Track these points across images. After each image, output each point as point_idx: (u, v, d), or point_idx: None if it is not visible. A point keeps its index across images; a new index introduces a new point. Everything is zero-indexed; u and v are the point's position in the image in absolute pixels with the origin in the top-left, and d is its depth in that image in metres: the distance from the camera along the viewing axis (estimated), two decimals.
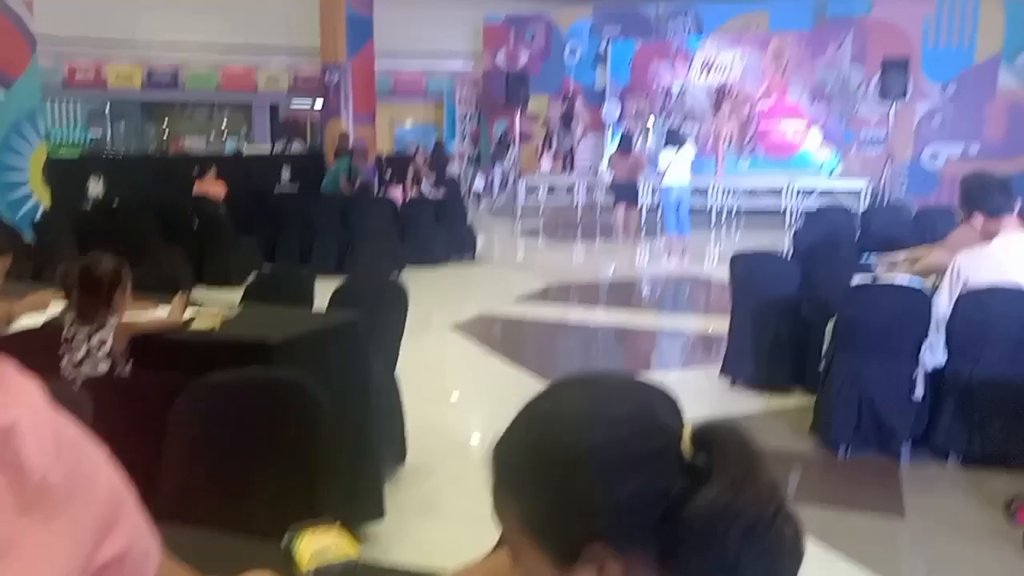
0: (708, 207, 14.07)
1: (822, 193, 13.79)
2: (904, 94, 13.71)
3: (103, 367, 2.89)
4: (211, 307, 3.46)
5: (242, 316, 3.37)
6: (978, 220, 3.80)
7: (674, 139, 10.51)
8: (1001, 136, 14.65)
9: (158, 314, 3.21)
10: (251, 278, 4.55)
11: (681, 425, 0.80)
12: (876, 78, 14.39)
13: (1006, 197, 3.75)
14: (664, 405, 0.82)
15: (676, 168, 10.18)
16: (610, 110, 16.62)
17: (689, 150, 10.52)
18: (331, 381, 2.96)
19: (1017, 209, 3.81)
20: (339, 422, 2.81)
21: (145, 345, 3.00)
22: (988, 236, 3.78)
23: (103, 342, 2.89)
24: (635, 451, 0.76)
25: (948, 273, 3.85)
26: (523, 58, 17.80)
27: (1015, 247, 3.73)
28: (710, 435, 0.79)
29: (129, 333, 2.97)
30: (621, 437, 0.76)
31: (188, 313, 3.25)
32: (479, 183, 17.32)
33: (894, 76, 13.53)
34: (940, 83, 14.97)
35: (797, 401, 4.79)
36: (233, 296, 4.24)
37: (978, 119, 14.80)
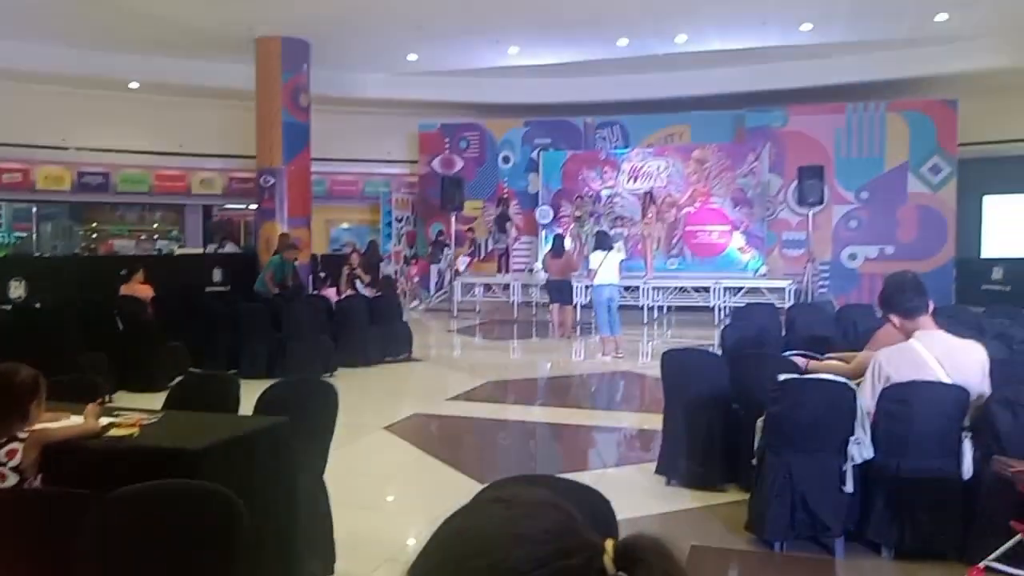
0: (640, 305, 14.34)
1: (748, 291, 14.20)
2: (821, 200, 14.45)
3: (11, 480, 2.72)
4: (130, 414, 3.32)
5: (162, 422, 3.24)
6: (896, 320, 3.94)
7: (603, 242, 10.76)
8: (913, 237, 15.45)
9: (73, 422, 3.06)
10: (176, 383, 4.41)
11: (606, 538, 0.77)
12: (794, 185, 15.15)
13: (921, 297, 3.90)
14: (596, 510, 0.80)
15: (606, 269, 10.39)
16: (543, 214, 17.03)
17: (617, 253, 10.76)
18: (254, 489, 2.84)
19: (931, 308, 3.96)
20: (262, 533, 2.68)
21: (57, 456, 2.85)
22: (907, 334, 3.91)
23: (12, 453, 2.74)
24: (555, 570, 0.73)
25: (870, 370, 3.96)
26: (458, 163, 18.21)
27: (931, 344, 3.86)
28: (633, 551, 0.76)
29: (41, 443, 2.81)
30: (540, 556, 0.73)
31: (105, 420, 3.10)
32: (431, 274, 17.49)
33: (810, 183, 14.28)
34: (853, 190, 15.80)
35: (732, 497, 4.77)
36: (156, 401, 4.09)
37: (891, 222, 15.61)
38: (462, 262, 16.18)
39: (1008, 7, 12.48)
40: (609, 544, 0.76)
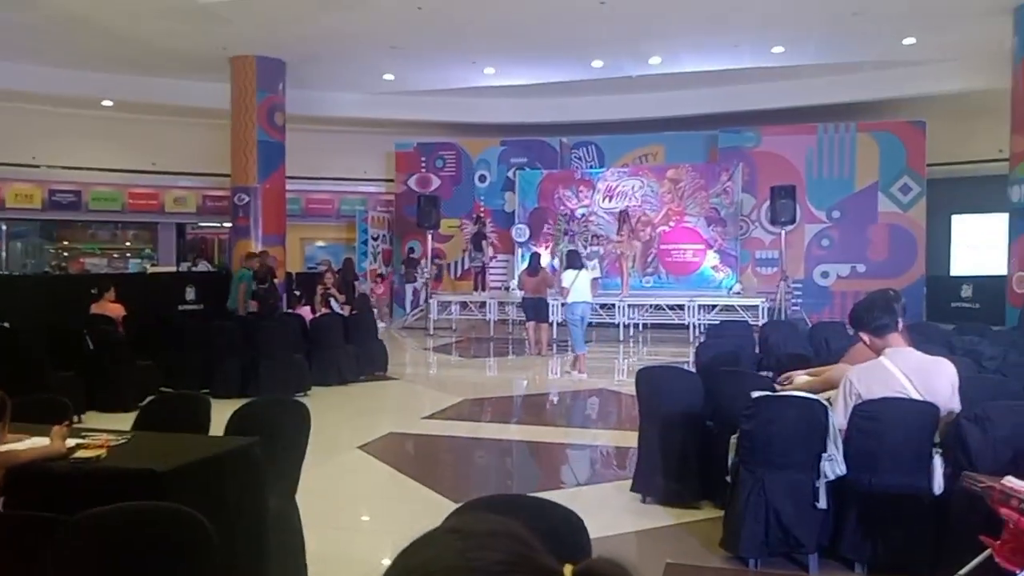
0: (616, 323, 14.38)
1: (723, 309, 14.29)
2: (793, 219, 14.62)
3: None
4: (98, 434, 3.26)
5: (131, 443, 3.18)
6: (866, 338, 3.99)
7: (574, 261, 10.81)
8: (884, 256, 15.65)
9: (38, 444, 3.00)
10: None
11: (566, 562, 0.76)
12: (766, 204, 15.32)
13: (890, 315, 3.94)
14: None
15: (579, 287, 10.44)
16: (519, 232, 17.07)
17: (589, 272, 10.80)
18: (225, 511, 2.80)
19: (901, 326, 4.00)
20: (232, 555, 2.64)
21: (22, 478, 2.79)
22: (877, 351, 3.95)
23: None
24: None
25: (841, 388, 3.99)
26: (435, 182, 18.22)
27: (901, 361, 3.89)
28: (591, 575, 0.75)
29: (5, 465, 2.75)
30: None
31: (72, 441, 3.04)
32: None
33: (783, 203, 14.45)
34: (825, 209, 15.99)
35: (707, 514, 4.77)
36: (126, 422, 4.01)
37: (862, 241, 15.82)
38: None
39: (974, 32, 12.76)
40: (567, 570, 0.75)
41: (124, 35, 13.09)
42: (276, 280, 13.51)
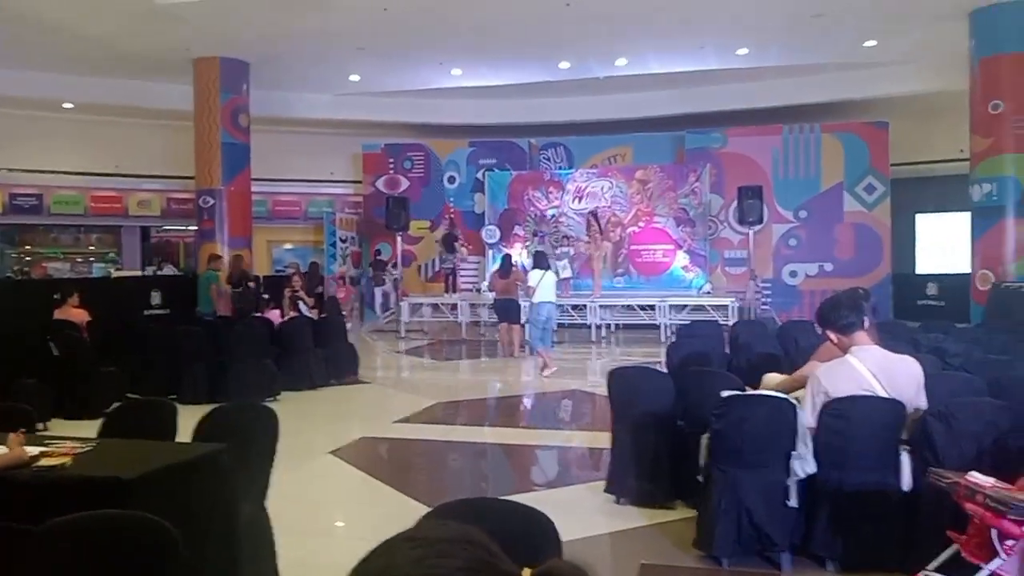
0: (588, 323, 14.41)
1: (693, 308, 14.39)
2: (760, 219, 14.77)
3: None
4: (63, 442, 3.20)
5: (96, 451, 3.13)
6: (833, 336, 4.03)
7: (540, 261, 10.88)
8: (851, 254, 15.86)
9: None
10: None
11: (524, 567, 0.76)
12: (734, 205, 15.47)
13: (856, 313, 3.99)
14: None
15: (544, 287, 10.50)
16: (489, 233, 17.06)
17: (558, 272, 10.88)
18: (192, 519, 2.76)
19: (867, 324, 4.05)
20: (201, 564, 2.60)
21: None
22: (844, 349, 4.00)
23: None
24: None
25: (809, 386, 4.03)
26: (403, 183, 18.15)
27: (867, 358, 3.94)
28: None
29: None
30: None
31: (36, 449, 2.98)
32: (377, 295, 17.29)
33: (750, 203, 14.61)
34: (792, 209, 16.18)
35: (680, 514, 4.79)
36: (91, 429, 3.95)
37: (829, 240, 16.02)
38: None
39: (933, 34, 13.00)
40: (526, 573, 0.75)
41: (85, 35, 12.87)
42: (252, 284, 13.41)
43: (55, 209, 17.48)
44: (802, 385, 4.22)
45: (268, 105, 15.69)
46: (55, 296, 10.60)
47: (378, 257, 17.77)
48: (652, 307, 14.63)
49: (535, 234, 16.86)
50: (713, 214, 16.39)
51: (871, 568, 3.88)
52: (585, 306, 14.57)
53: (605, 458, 5.48)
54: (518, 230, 17.12)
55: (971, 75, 12.09)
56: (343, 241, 18.56)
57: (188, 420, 3.83)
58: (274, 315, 10.75)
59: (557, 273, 14.33)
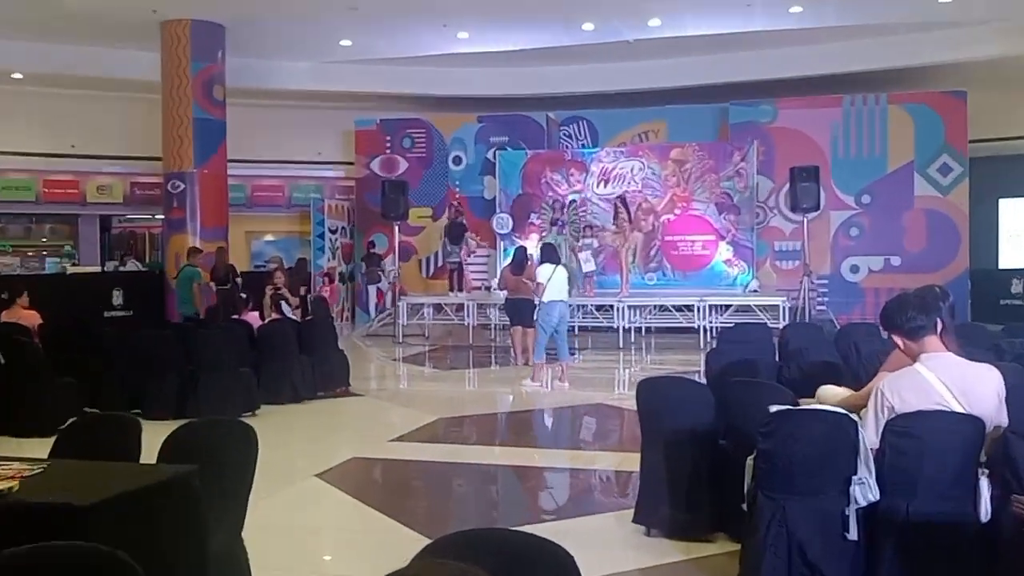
0: (615, 327, 14.38)
1: (737, 309, 14.36)
2: (817, 205, 14.68)
3: None
4: (9, 464, 3.24)
5: (47, 474, 3.17)
6: (899, 341, 4.01)
7: (550, 255, 10.77)
8: (922, 246, 15.77)
9: None
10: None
11: None
12: (786, 188, 15.40)
13: (926, 315, 3.96)
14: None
15: (555, 284, 10.38)
16: (501, 222, 17.02)
17: (563, 270, 10.76)
18: (158, 552, 2.79)
19: (941, 327, 4.02)
20: None
21: None
22: (912, 357, 3.97)
23: None
24: None
25: (872, 399, 4.00)
26: (402, 165, 18.20)
27: (939, 368, 3.91)
28: None
29: None
30: None
31: None
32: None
33: (804, 186, 14.48)
34: (853, 193, 16.10)
35: (721, 548, 4.79)
36: (42, 448, 3.99)
37: (897, 229, 15.93)
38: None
39: None
40: None
41: None
42: (240, 280, 13.52)
43: (2, 196, 17.66)
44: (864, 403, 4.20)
45: (246, 75, 15.77)
46: (2, 295, 10.70)
47: (372, 250, 17.84)
48: (689, 308, 14.60)
49: (553, 223, 16.84)
50: (761, 200, 16.34)
51: None
52: (611, 307, 14.56)
53: (634, 482, 5.48)
54: (534, 219, 17.14)
55: None
56: (332, 232, 18.65)
57: (154, 438, 3.87)
58: (253, 317, 10.80)
59: (580, 267, 14.33)
